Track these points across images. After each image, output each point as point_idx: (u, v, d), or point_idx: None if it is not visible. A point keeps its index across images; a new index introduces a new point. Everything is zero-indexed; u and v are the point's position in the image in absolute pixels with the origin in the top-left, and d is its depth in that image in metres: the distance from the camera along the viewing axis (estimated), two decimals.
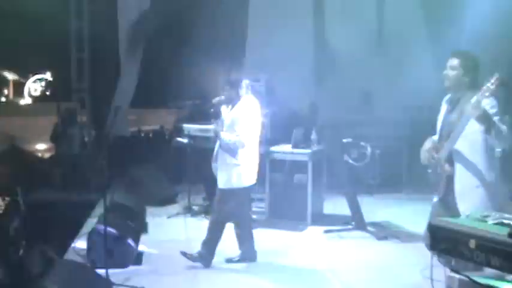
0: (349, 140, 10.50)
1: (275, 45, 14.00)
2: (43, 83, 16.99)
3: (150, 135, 15.54)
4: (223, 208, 7.36)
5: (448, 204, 5.33)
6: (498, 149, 5.39)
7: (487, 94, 4.85)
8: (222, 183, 7.33)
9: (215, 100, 7.55)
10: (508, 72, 12.54)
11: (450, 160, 5.28)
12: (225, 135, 7.16)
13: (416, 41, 13.93)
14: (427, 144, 5.56)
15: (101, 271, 6.56)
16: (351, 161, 9.91)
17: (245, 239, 7.61)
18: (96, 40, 14.51)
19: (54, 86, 16.73)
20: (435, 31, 13.77)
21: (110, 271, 6.56)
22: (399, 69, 12.77)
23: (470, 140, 5.15)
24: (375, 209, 10.27)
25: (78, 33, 14.69)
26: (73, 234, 8.54)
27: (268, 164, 9.72)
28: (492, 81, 4.84)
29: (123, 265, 7.27)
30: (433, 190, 5.60)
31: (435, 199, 5.59)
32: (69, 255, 7.69)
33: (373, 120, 12.66)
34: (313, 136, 9.78)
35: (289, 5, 14.30)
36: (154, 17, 14.25)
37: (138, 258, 7.68)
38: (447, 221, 4.10)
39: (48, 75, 16.86)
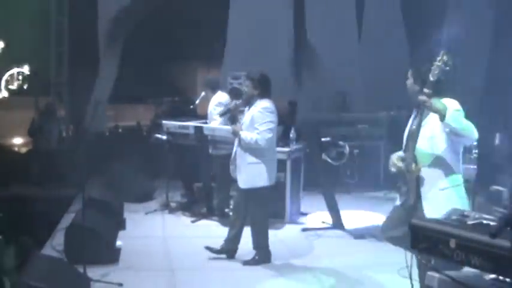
0: (328, 139, 10.55)
1: (254, 43, 14.03)
2: (20, 77, 16.86)
3: (128, 131, 15.50)
4: (248, 208, 7.47)
5: (417, 208, 5.31)
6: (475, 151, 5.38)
7: (435, 72, 4.96)
8: (243, 183, 7.31)
9: (231, 106, 7.68)
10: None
11: (416, 161, 5.29)
12: (246, 134, 7.15)
13: (395, 41, 14.03)
14: (393, 157, 5.54)
15: (79, 267, 6.54)
16: (329, 160, 9.95)
17: (259, 239, 7.58)
18: (75, 35, 14.44)
19: (32, 80, 16.62)
20: (414, 31, 13.89)
21: (87, 267, 6.54)
22: (378, 68, 12.85)
23: (433, 140, 5.17)
24: (352, 207, 10.32)
25: (58, 28, 14.60)
26: (50, 230, 8.50)
27: None
28: (439, 57, 4.98)
29: (101, 261, 7.23)
30: (402, 199, 5.55)
31: (398, 202, 5.58)
32: (47, 251, 7.66)
33: (351, 119, 12.70)
34: (292, 135, 9.80)
35: (269, 3, 14.33)
36: (135, 13, 14.21)
37: (115, 255, 7.64)
38: (428, 221, 4.12)
39: (25, 69, 16.74)
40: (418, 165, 5.25)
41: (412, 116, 5.51)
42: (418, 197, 5.29)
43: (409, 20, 14.20)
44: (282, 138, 9.73)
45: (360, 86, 14.24)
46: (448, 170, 5.21)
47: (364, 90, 14.13)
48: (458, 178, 5.26)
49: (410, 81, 5.50)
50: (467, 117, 5.08)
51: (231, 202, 8.82)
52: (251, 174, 7.22)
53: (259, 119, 7.12)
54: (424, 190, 5.24)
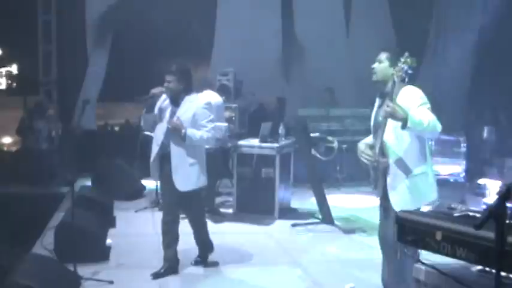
0: (317, 134, 10.58)
1: (243, 39, 14.05)
2: (9, 76, 16.84)
3: (117, 129, 15.50)
4: (191, 209, 7.31)
5: (386, 197, 5.37)
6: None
7: (399, 73, 4.96)
8: (184, 185, 6.78)
9: (155, 90, 6.98)
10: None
11: (383, 153, 5.32)
12: (194, 132, 6.61)
13: (383, 36, 14.08)
14: (361, 146, 5.58)
15: (69, 265, 6.54)
16: (318, 156, 9.97)
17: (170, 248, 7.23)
18: (63, 33, 14.40)
19: (20, 79, 16.60)
20: (402, 26, 13.95)
21: (78, 265, 6.55)
22: (366, 63, 12.87)
23: (397, 132, 5.17)
24: (341, 203, 10.36)
25: (46, 26, 14.56)
26: (40, 228, 8.49)
27: (236, 158, 9.78)
28: (403, 59, 4.95)
29: (91, 259, 7.22)
30: (373, 187, 5.58)
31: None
32: (37, 249, 7.64)
33: (340, 114, 12.73)
34: (281, 130, 9.83)
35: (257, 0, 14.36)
36: (123, 10, 14.19)
37: (105, 252, 7.65)
38: (414, 213, 4.17)
39: (14, 68, 16.71)
40: (385, 156, 5.29)
41: (376, 105, 5.53)
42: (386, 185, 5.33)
43: (397, 14, 14.26)
44: (271, 134, 9.76)
45: (348, 81, 14.28)
46: (415, 160, 5.25)
47: (353, 85, 14.17)
48: (425, 167, 5.31)
49: (384, 65, 5.43)
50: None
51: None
52: (193, 175, 6.79)
53: (204, 116, 6.77)
54: (391, 181, 5.28)
